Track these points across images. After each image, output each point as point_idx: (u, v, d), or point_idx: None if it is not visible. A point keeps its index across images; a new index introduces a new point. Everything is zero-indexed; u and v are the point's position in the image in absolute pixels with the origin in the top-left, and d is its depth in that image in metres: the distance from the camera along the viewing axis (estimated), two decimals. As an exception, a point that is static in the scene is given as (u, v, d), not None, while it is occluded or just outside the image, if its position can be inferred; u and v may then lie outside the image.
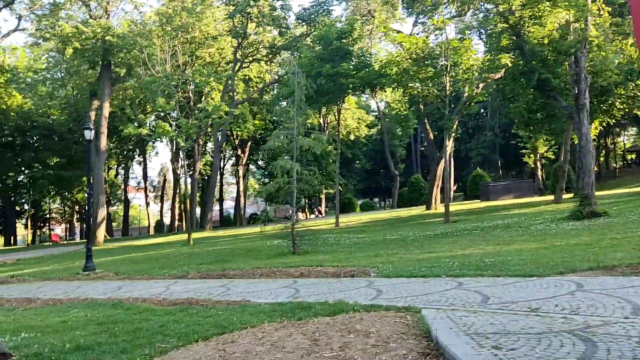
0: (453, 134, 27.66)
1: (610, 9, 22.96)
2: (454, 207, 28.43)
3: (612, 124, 45.52)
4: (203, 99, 34.84)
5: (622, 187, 41.07)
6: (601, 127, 34.33)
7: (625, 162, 72.09)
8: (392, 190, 57.97)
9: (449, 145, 27.95)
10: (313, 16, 40.62)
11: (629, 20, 24.91)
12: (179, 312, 6.96)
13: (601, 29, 22.54)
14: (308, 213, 51.87)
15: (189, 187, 33.94)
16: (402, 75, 24.17)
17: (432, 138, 38.42)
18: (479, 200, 40.54)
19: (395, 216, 32.24)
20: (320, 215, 52.06)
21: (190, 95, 28.80)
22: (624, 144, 73.73)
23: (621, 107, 28.94)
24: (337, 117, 32.45)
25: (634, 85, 27.00)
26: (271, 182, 16.80)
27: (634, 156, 70.10)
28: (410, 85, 25.01)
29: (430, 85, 24.32)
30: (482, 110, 62.87)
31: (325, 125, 44.21)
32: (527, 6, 19.96)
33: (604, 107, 28.79)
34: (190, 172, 41.89)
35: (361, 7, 41.98)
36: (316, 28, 37.97)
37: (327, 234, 21.99)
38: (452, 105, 26.48)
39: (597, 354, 3.35)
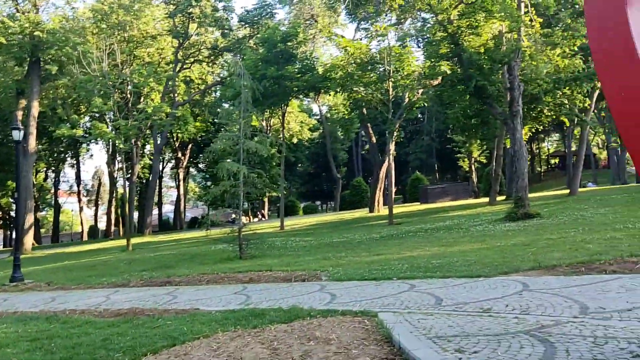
0: (395, 138, 28.23)
1: (541, 20, 24.11)
2: (395, 209, 28.94)
3: (540, 130, 47.91)
4: (142, 99, 33.79)
5: (547, 190, 43.30)
6: (530, 133, 36.00)
7: (549, 166, 76.37)
8: (334, 193, 58.47)
9: (392, 148, 28.47)
10: (256, 19, 40.37)
11: (557, 31, 26.27)
12: (123, 324, 6.59)
13: (532, 39, 23.63)
14: (251, 216, 51.39)
15: (127, 190, 32.77)
16: (346, 79, 24.44)
17: (375, 142, 39.02)
18: (419, 203, 41.57)
19: (339, 219, 32.47)
20: (263, 219, 51.73)
21: (129, 95, 27.89)
22: (548, 149, 78.03)
23: (549, 114, 30.42)
24: (281, 120, 32.37)
25: (560, 93, 28.49)
26: (217, 185, 16.48)
27: (557, 160, 74.59)
28: (354, 89, 25.32)
29: (373, 89, 24.72)
30: (419, 116, 64.63)
31: (269, 128, 43.98)
32: (465, 16, 20.69)
33: (534, 114, 30.19)
34: (129, 175, 40.52)
35: (304, 11, 42.09)
36: (260, 31, 37.76)
37: (273, 238, 21.85)
38: (393, 110, 26.99)
39: (557, 355, 3.45)
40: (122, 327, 6.33)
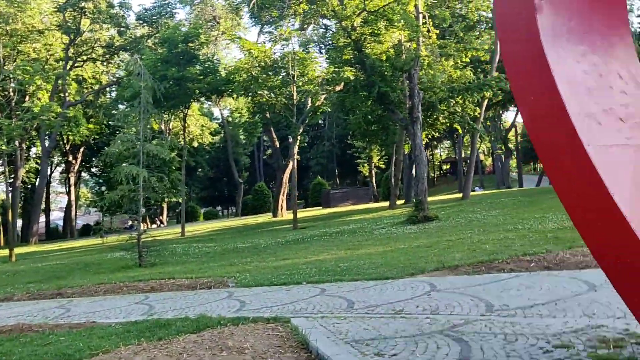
0: (298, 142, 28.37)
1: (437, 32, 25.41)
2: (299, 214, 29.03)
3: (434, 137, 50.49)
4: (28, 98, 31.17)
5: (440, 194, 45.69)
6: (427, 140, 37.81)
7: (441, 171, 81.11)
8: (236, 199, 57.67)
9: (296, 152, 28.58)
10: (155, 17, 38.81)
11: (451, 43, 27.85)
12: (8, 342, 5.89)
13: (430, 49, 24.85)
14: (149, 223, 49.24)
15: (9, 196, 30.04)
16: (250, 82, 24.16)
17: (278, 146, 38.98)
18: (321, 207, 42.09)
19: (242, 224, 31.99)
20: (162, 225, 49.78)
21: (12, 93, 25.61)
22: (440, 155, 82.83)
23: (444, 121, 32.08)
24: (182, 123, 31.34)
25: (454, 102, 30.19)
26: (114, 190, 15.49)
27: (448, 166, 79.57)
28: (258, 92, 25.08)
29: (278, 93, 24.66)
30: (320, 122, 65.75)
31: (169, 131, 42.45)
32: (368, 24, 21.28)
33: (430, 121, 31.69)
34: (12, 180, 37.23)
35: (206, 12, 41.22)
36: (159, 30, 36.35)
37: (174, 244, 21.02)
38: (297, 115, 27.12)
39: (472, 354, 3.52)
40: (6, 346, 5.67)
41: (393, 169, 35.74)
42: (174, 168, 27.10)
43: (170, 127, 43.02)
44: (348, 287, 7.23)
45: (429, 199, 31.64)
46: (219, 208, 74.16)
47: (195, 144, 50.27)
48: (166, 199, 34.42)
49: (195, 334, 5.21)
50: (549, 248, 8.59)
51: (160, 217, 53.50)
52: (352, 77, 22.00)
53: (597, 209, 2.54)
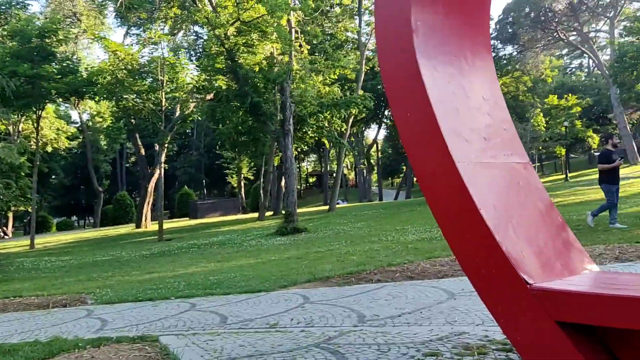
0: (165, 150, 27.28)
1: (309, 47, 26.09)
2: (165, 224, 27.86)
3: (303, 150, 51.60)
4: None
5: (307, 207, 46.77)
6: (296, 152, 38.50)
7: (307, 184, 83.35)
8: (95, 208, 53.90)
9: (163, 160, 27.42)
10: (4, 8, 35.06)
11: (321, 60, 28.76)
12: None
13: (302, 64, 25.42)
14: (-10, 235, 44.09)
15: None
16: (115, 85, 22.77)
17: (144, 154, 37.15)
18: (188, 218, 40.87)
19: (102, 235, 29.89)
20: (6, 237, 44.80)
21: None
22: (307, 169, 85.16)
23: (313, 135, 32.95)
24: (36, 125, 28.55)
25: (323, 117, 31.15)
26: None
27: (314, 179, 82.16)
28: (124, 96, 23.71)
29: (145, 98, 23.54)
30: (188, 131, 64.17)
31: (18, 133, 38.44)
32: (242, 34, 21.20)
33: (299, 134, 32.37)
34: None
35: (65, 7, 38.22)
36: (9, 22, 32.88)
37: (22, 258, 19.00)
38: (165, 122, 26.10)
39: (350, 364, 3.56)
40: None
41: (263, 180, 35.85)
42: (23, 174, 24.52)
43: (21, 129, 39.10)
44: (220, 301, 7.01)
45: (298, 210, 32.18)
46: (74, 218, 68.74)
47: (50, 149, 46.19)
48: (12, 208, 31.02)
49: (49, 359, 4.68)
50: (410, 258, 9.10)
51: (4, 227, 48.22)
52: (224, 87, 21.72)
53: (465, 222, 2.69)
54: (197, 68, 26.70)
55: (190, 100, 24.72)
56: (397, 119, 3.20)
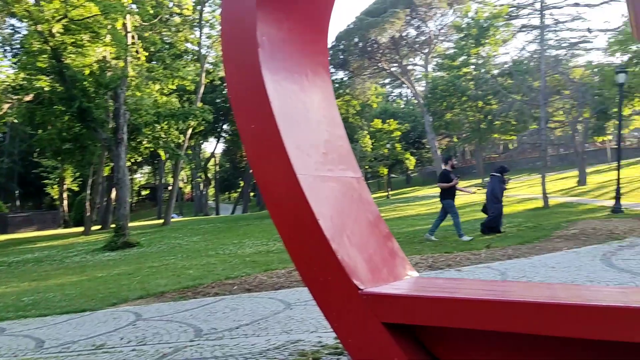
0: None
1: (147, 54, 25.00)
2: (-33, 241, 24.36)
3: (137, 160, 49.02)
4: None
5: (139, 220, 44.56)
6: (129, 163, 36.44)
7: (140, 197, 79.42)
8: None
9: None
10: None
11: (158, 68, 27.73)
12: None
13: (138, 70, 24.22)
14: None
15: None
16: None
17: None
18: (-3, 233, 36.27)
19: None
20: None
21: None
22: (140, 181, 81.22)
23: (148, 145, 31.50)
24: None
25: (159, 127, 29.98)
26: None
27: (148, 192, 78.60)
28: None
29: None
30: (0, 135, 57.19)
31: None
32: (70, 32, 19.54)
33: (134, 144, 30.72)
34: None
35: None
36: None
37: None
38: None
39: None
40: None
41: (90, 191, 33.27)
42: None
43: None
44: (35, 324, 6.31)
45: (129, 224, 30.47)
46: None
47: None
48: None
49: None
50: (247, 271, 9.14)
51: None
52: (47, 88, 19.78)
53: (305, 231, 2.79)
54: (14, 66, 23.96)
55: (3, 101, 22.06)
56: (241, 131, 3.23)
